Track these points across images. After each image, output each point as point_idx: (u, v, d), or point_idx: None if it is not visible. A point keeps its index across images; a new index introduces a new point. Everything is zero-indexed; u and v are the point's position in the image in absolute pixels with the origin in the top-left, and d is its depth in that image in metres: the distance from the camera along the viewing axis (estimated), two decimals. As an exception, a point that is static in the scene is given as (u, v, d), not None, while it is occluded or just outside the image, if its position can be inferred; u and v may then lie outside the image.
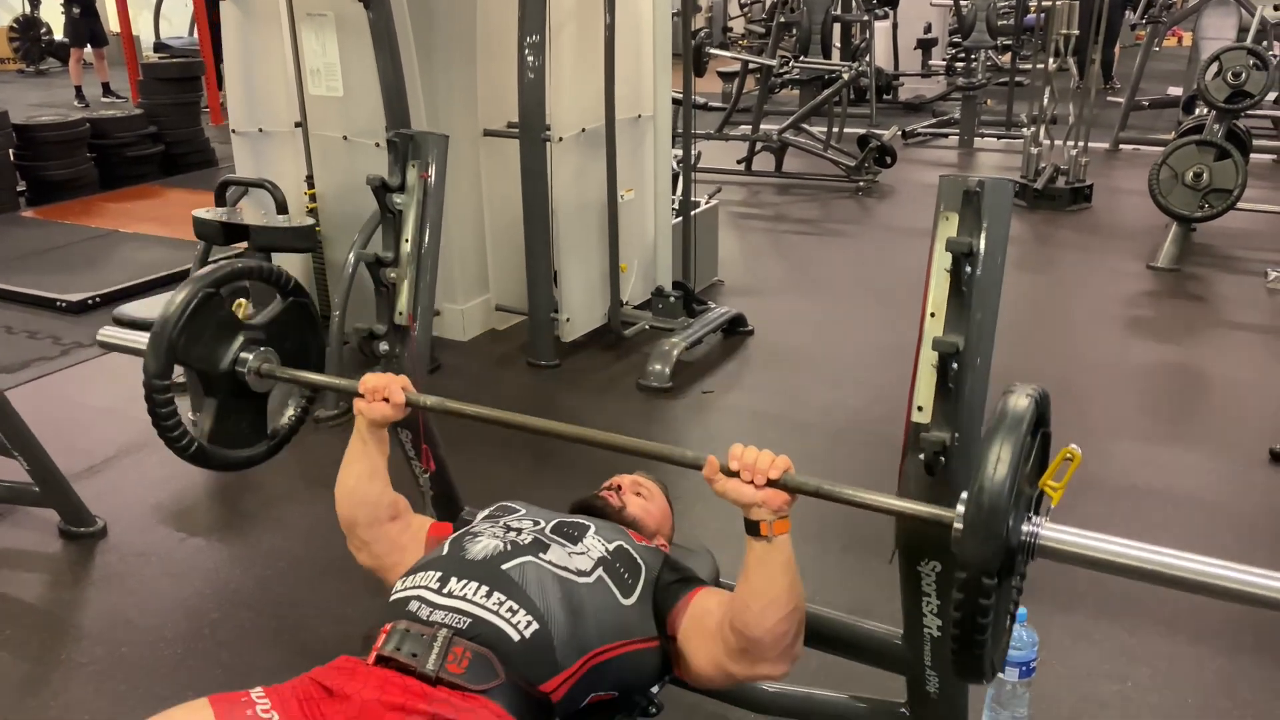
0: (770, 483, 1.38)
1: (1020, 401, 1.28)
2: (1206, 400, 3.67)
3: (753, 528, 1.41)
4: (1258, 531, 2.70)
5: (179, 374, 2.07)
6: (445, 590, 1.44)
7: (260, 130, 3.86)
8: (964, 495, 1.27)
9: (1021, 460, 1.22)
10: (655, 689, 1.68)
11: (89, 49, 10.47)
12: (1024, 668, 1.87)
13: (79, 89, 10.29)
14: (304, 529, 2.78)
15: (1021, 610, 1.78)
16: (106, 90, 10.67)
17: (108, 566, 2.63)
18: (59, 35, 12.69)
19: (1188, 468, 3.04)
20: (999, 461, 1.21)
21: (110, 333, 2.13)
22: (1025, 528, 1.27)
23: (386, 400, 1.70)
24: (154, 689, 2.15)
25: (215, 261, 1.98)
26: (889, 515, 1.45)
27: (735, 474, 1.39)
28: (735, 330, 4.16)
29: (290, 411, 2.07)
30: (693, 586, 1.61)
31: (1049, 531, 1.28)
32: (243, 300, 1.97)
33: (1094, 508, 2.73)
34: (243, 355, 1.89)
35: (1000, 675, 1.87)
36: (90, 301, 4.52)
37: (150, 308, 3.51)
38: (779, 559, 1.41)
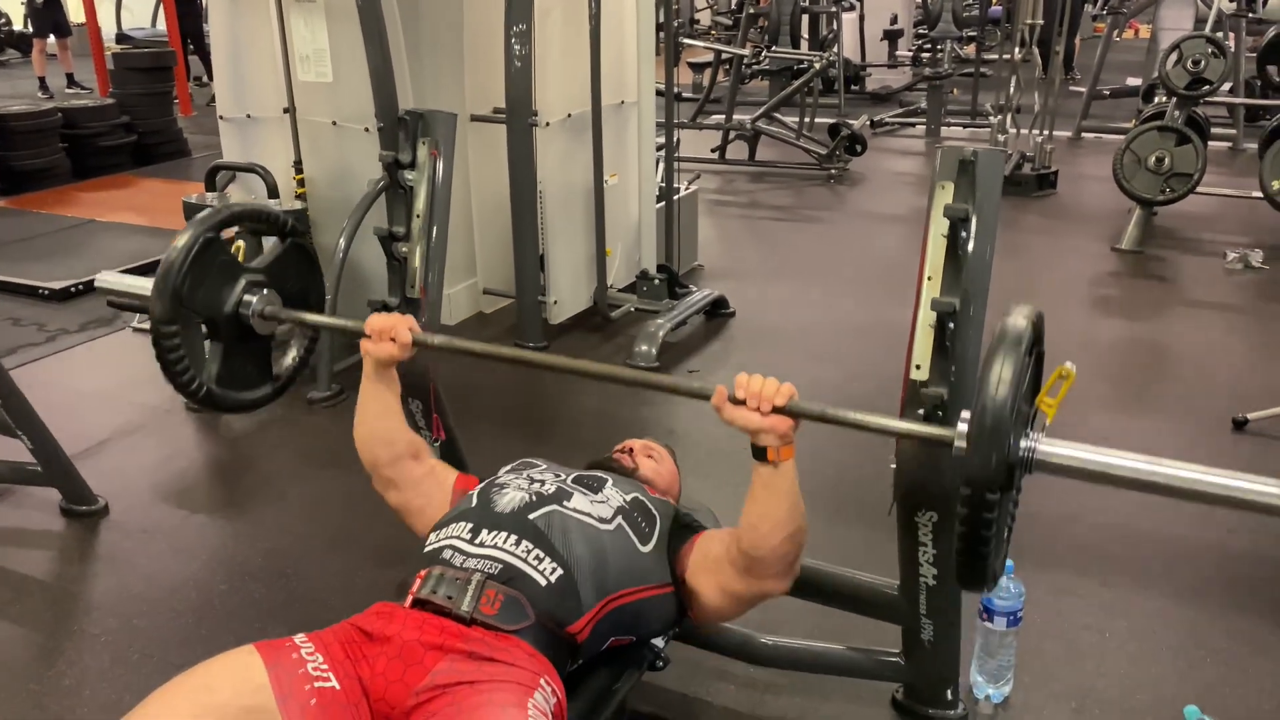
0: (776, 410, 1.45)
1: (1019, 322, 1.36)
2: (1171, 374, 3.81)
3: (759, 453, 1.48)
4: (1223, 494, 2.83)
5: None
6: (477, 540, 1.51)
7: (249, 116, 3.87)
8: (964, 414, 1.35)
9: (1021, 377, 1.30)
10: (662, 643, 1.77)
11: (52, 39, 10.34)
12: (1011, 617, 1.97)
13: (42, 80, 10.16)
14: (306, 505, 2.83)
15: (1010, 563, 1.88)
16: (71, 81, 10.53)
17: (112, 544, 2.66)
18: (19, 26, 12.51)
19: (1155, 437, 3.17)
20: (1000, 379, 1.28)
21: (109, 278, 2.13)
22: (1024, 443, 1.35)
23: (393, 340, 1.74)
24: (169, 657, 2.20)
25: (211, 207, 1.99)
26: (885, 435, 1.51)
27: (742, 402, 1.46)
28: (717, 312, 4.25)
29: (293, 353, 2.11)
30: (696, 531, 1.70)
31: (1046, 446, 1.36)
32: (240, 243, 1.98)
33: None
34: (246, 298, 1.92)
35: (989, 625, 1.98)
36: (74, 289, 4.51)
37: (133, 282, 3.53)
38: (784, 483, 1.49)
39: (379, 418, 1.79)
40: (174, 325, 1.84)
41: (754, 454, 1.49)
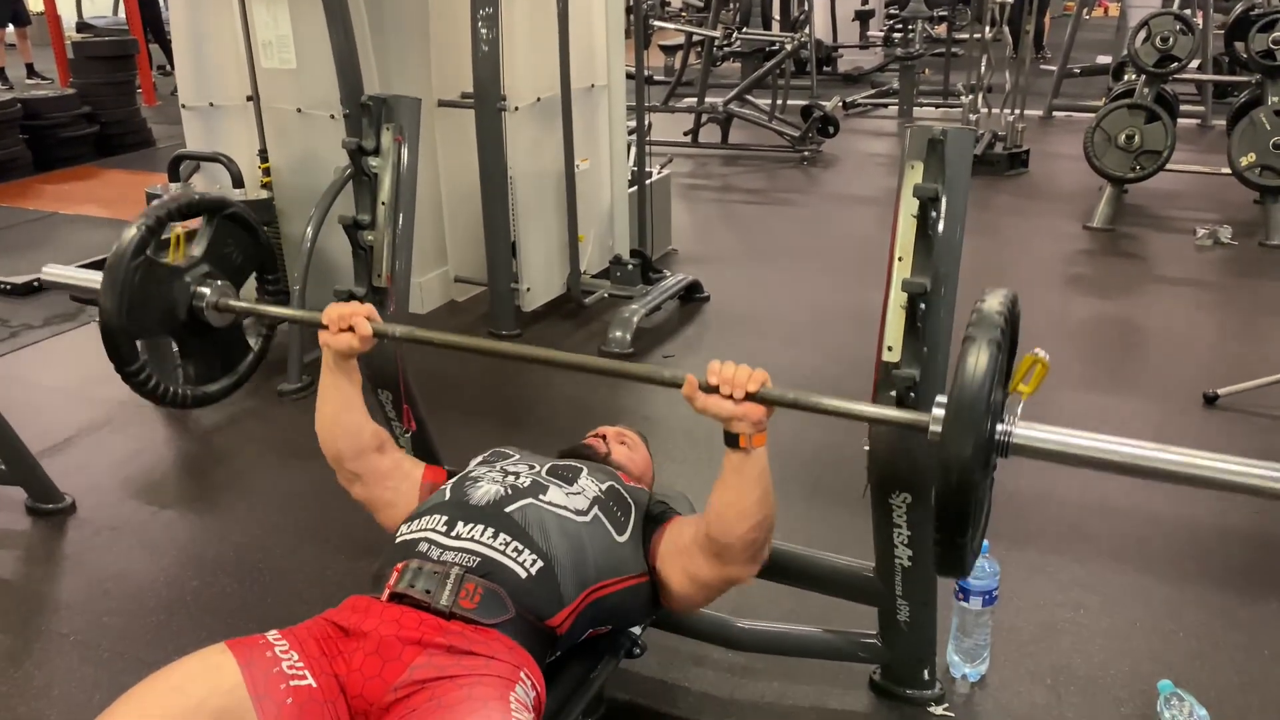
0: (749, 396, 1.43)
1: (993, 305, 1.36)
2: (1143, 350, 3.84)
3: (732, 440, 1.47)
4: (1194, 469, 2.86)
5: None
6: (453, 533, 1.49)
7: (211, 104, 3.81)
8: (940, 399, 1.35)
9: (996, 363, 1.29)
10: (639, 630, 1.76)
11: (10, 29, 10.13)
12: (986, 596, 1.98)
13: (1, 70, 9.96)
14: (277, 498, 2.80)
15: (985, 543, 1.88)
16: (31, 71, 10.32)
17: (81, 541, 2.62)
18: (-23, 15, 12.24)
19: (1127, 414, 3.19)
20: (976, 365, 1.27)
21: (55, 271, 2.09)
22: (999, 426, 1.35)
23: (352, 330, 1.69)
24: (140, 655, 2.16)
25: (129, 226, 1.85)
26: (859, 420, 1.50)
27: (715, 389, 1.44)
28: (692, 297, 4.23)
29: (253, 342, 2.07)
30: (668, 516, 1.69)
31: (1021, 429, 1.36)
32: (177, 231, 1.91)
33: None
34: (196, 297, 1.87)
35: (964, 605, 1.99)
36: (36, 284, 4.43)
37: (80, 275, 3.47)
38: (755, 470, 1.48)
39: (341, 411, 1.74)
40: (136, 364, 1.82)
41: (726, 441, 1.48)
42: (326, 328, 1.71)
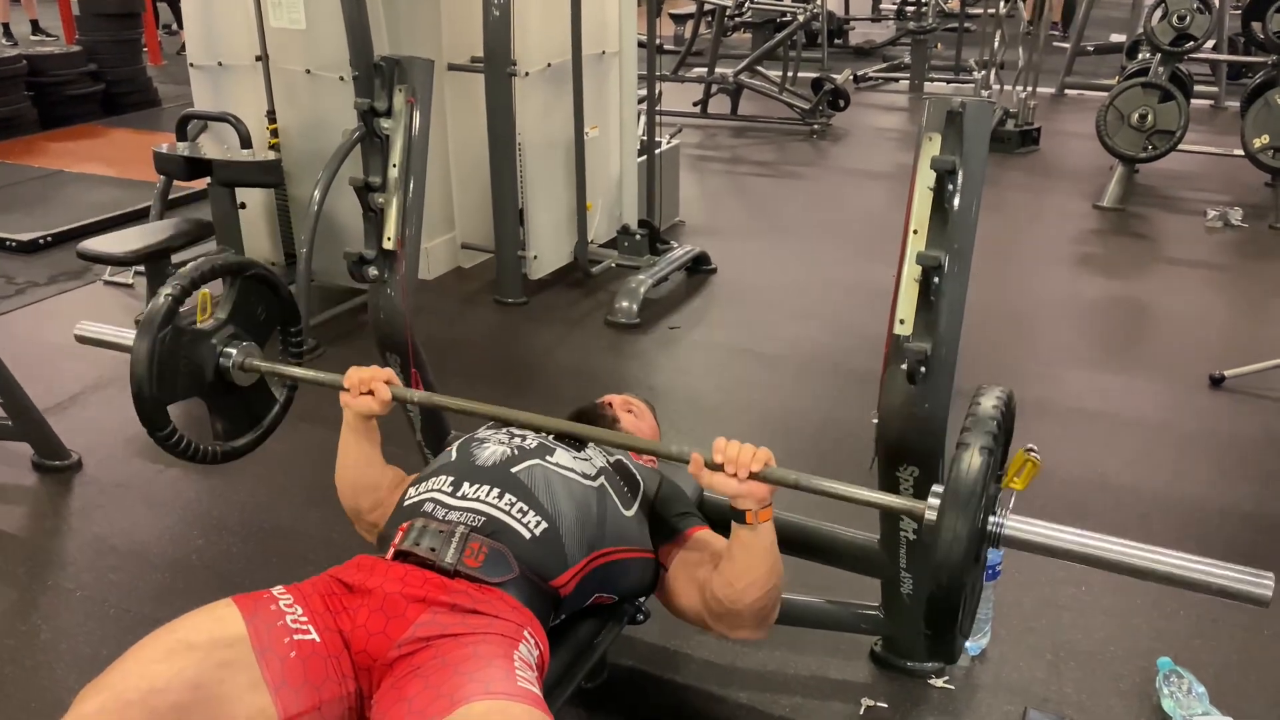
0: (752, 475, 1.45)
1: (990, 404, 1.39)
2: (1150, 331, 3.83)
3: (738, 515, 1.48)
4: (1197, 450, 2.86)
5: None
6: (459, 493, 1.50)
7: (220, 64, 3.78)
8: (936, 488, 1.38)
9: (990, 462, 1.32)
10: (644, 598, 1.77)
11: (15, -16, 10.04)
12: (990, 571, 1.99)
13: (5, 26, 9.85)
14: (282, 459, 2.79)
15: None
16: (36, 28, 10.24)
17: (86, 498, 2.63)
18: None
19: (1133, 392, 3.19)
20: (971, 461, 1.31)
21: (90, 329, 2.08)
22: (992, 518, 1.38)
23: (372, 394, 1.71)
24: (145, 611, 2.18)
25: (151, 302, 1.86)
26: (860, 505, 1.51)
27: (719, 468, 1.46)
28: (699, 268, 4.22)
29: (278, 393, 2.09)
30: (688, 524, 1.70)
31: (1012, 522, 1.39)
32: (204, 293, 1.93)
33: (1047, 429, 2.86)
34: (223, 359, 1.91)
35: (967, 579, 1.99)
36: (42, 241, 4.43)
37: (113, 242, 3.47)
38: (762, 544, 1.50)
39: (361, 469, 1.77)
40: (168, 429, 1.85)
41: (731, 515, 1.49)
42: (348, 390, 1.73)
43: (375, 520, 1.77)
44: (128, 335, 1.89)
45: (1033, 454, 1.37)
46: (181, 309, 1.84)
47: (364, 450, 1.77)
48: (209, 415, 1.99)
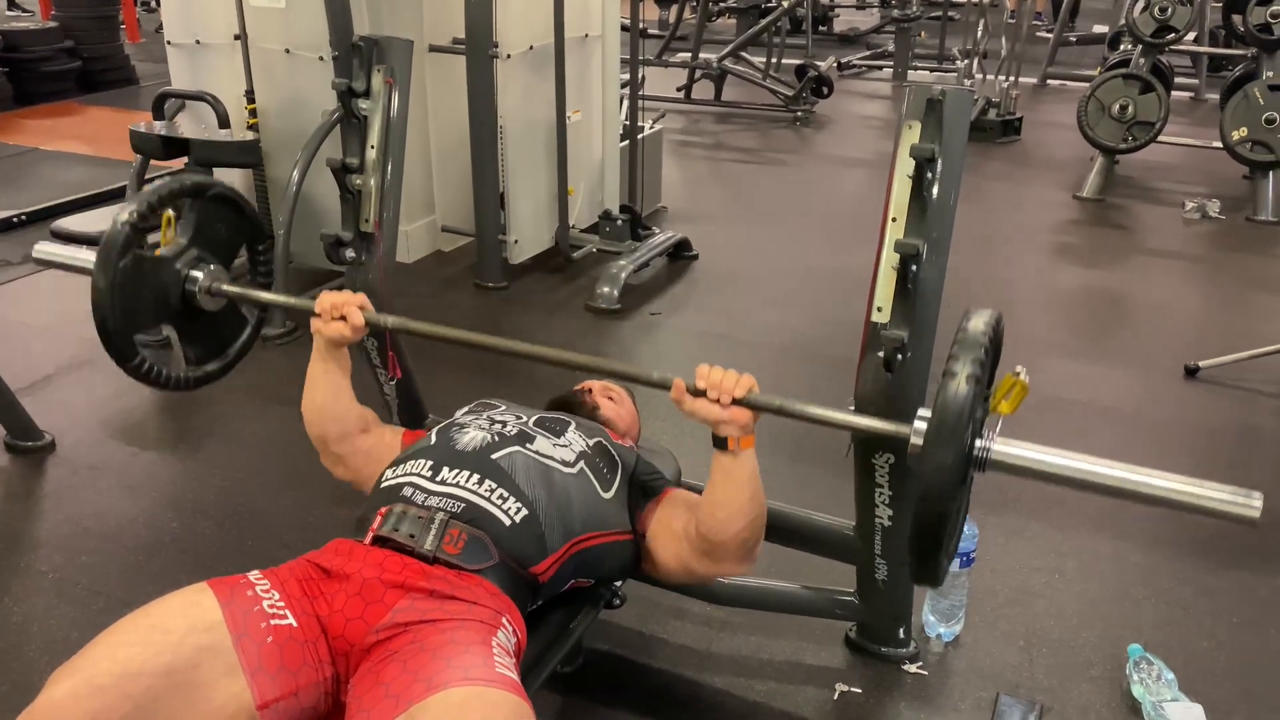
0: (735, 401, 1.44)
1: (979, 325, 1.37)
2: (1127, 321, 3.86)
3: (720, 443, 1.48)
4: (1172, 438, 2.89)
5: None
6: (438, 478, 1.49)
7: (198, 42, 3.73)
8: (922, 412, 1.37)
9: (979, 382, 1.32)
10: (620, 581, 1.77)
11: (-9, -42, 9.91)
12: (964, 558, 2.00)
13: (-19, 0, 9.75)
14: (259, 442, 2.79)
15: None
16: (11, 3, 10.11)
17: (59, 480, 2.61)
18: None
19: (1110, 382, 3.21)
20: (959, 384, 1.30)
21: (48, 249, 2.01)
22: (978, 442, 1.38)
23: (344, 319, 1.68)
24: (118, 594, 2.17)
25: (110, 227, 1.80)
26: (843, 429, 1.52)
27: (702, 393, 1.45)
28: (680, 255, 4.22)
29: (249, 315, 2.06)
30: (661, 488, 1.69)
31: (999, 446, 1.38)
32: (168, 215, 1.89)
33: (1023, 417, 2.87)
34: (189, 284, 1.86)
35: (942, 566, 2.01)
36: (16, 219, 4.37)
37: (89, 221, 3.43)
38: (744, 472, 1.49)
39: (330, 398, 1.74)
40: (137, 358, 1.81)
41: (714, 443, 1.49)
42: (319, 315, 1.70)
43: (340, 453, 1.75)
44: (88, 257, 1.82)
45: (1021, 376, 1.35)
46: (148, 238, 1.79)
47: (334, 378, 1.73)
48: (178, 342, 1.95)
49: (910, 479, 1.69)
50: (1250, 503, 1.27)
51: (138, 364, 1.82)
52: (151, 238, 1.86)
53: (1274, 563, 2.32)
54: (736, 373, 1.46)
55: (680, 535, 1.60)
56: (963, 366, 1.31)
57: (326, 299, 1.69)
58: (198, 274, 1.86)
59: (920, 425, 1.37)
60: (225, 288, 1.89)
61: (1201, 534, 2.43)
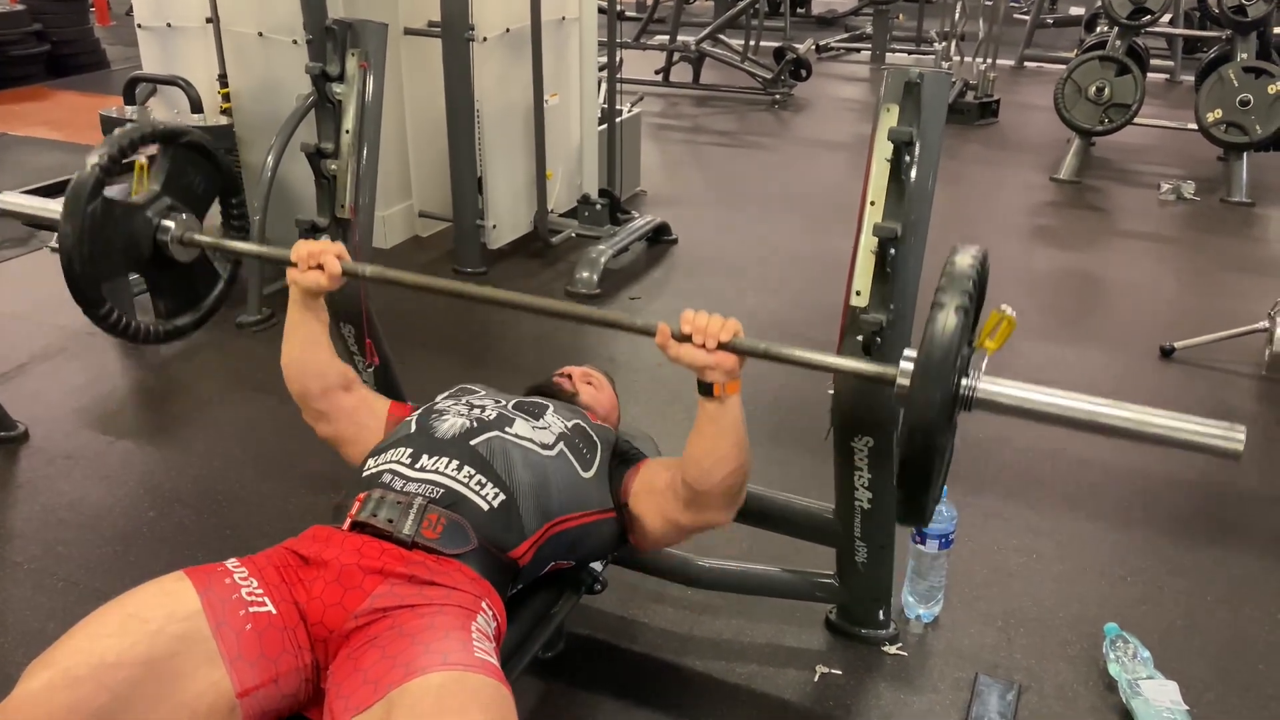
0: (721, 345, 1.43)
1: (965, 261, 1.36)
2: (1104, 302, 3.89)
3: (706, 389, 1.47)
4: (1148, 420, 2.92)
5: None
6: (418, 465, 1.48)
7: (169, 25, 3.69)
8: (908, 352, 1.36)
9: (965, 319, 1.30)
10: (600, 566, 1.78)
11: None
12: (943, 539, 2.01)
13: (-54, -17, 9.55)
14: (237, 430, 2.77)
15: (944, 487, 1.91)
16: (-23, -15, 9.92)
17: (34, 470, 2.58)
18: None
19: (1086, 363, 3.24)
20: (946, 320, 1.28)
21: (10, 199, 1.98)
22: (964, 381, 1.36)
23: (321, 268, 1.65)
24: (95, 585, 2.15)
25: (78, 172, 1.76)
26: (829, 372, 1.50)
27: (688, 338, 1.44)
28: (659, 239, 4.21)
29: (221, 269, 2.03)
30: (640, 458, 1.70)
31: (986, 384, 1.37)
32: (140, 162, 1.86)
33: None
34: (160, 232, 1.82)
35: (921, 547, 2.02)
36: (-15, 206, 4.29)
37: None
38: (729, 417, 1.48)
39: (307, 349, 1.71)
40: (104, 306, 1.77)
41: (699, 389, 1.48)
42: (295, 265, 1.66)
43: (322, 409, 1.72)
44: (54, 206, 1.79)
45: (1007, 312, 1.34)
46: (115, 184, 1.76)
47: (311, 329, 1.71)
48: (149, 294, 1.91)
49: (889, 462, 1.70)
50: (1233, 435, 1.25)
51: (105, 313, 1.77)
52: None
53: (1248, 541, 2.35)
54: (722, 317, 1.45)
55: (664, 489, 1.59)
56: (951, 298, 1.29)
57: (303, 247, 1.66)
58: (169, 223, 1.82)
59: (907, 366, 1.35)
60: (198, 237, 1.85)
61: (1177, 514, 2.46)
